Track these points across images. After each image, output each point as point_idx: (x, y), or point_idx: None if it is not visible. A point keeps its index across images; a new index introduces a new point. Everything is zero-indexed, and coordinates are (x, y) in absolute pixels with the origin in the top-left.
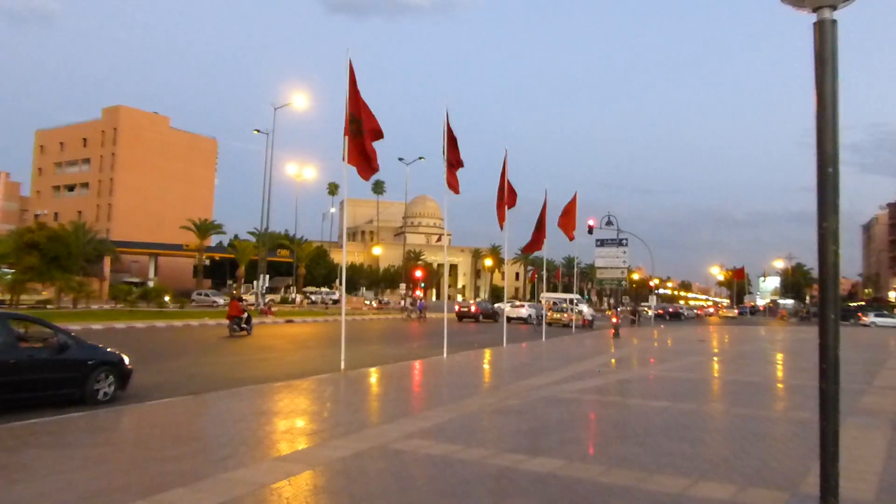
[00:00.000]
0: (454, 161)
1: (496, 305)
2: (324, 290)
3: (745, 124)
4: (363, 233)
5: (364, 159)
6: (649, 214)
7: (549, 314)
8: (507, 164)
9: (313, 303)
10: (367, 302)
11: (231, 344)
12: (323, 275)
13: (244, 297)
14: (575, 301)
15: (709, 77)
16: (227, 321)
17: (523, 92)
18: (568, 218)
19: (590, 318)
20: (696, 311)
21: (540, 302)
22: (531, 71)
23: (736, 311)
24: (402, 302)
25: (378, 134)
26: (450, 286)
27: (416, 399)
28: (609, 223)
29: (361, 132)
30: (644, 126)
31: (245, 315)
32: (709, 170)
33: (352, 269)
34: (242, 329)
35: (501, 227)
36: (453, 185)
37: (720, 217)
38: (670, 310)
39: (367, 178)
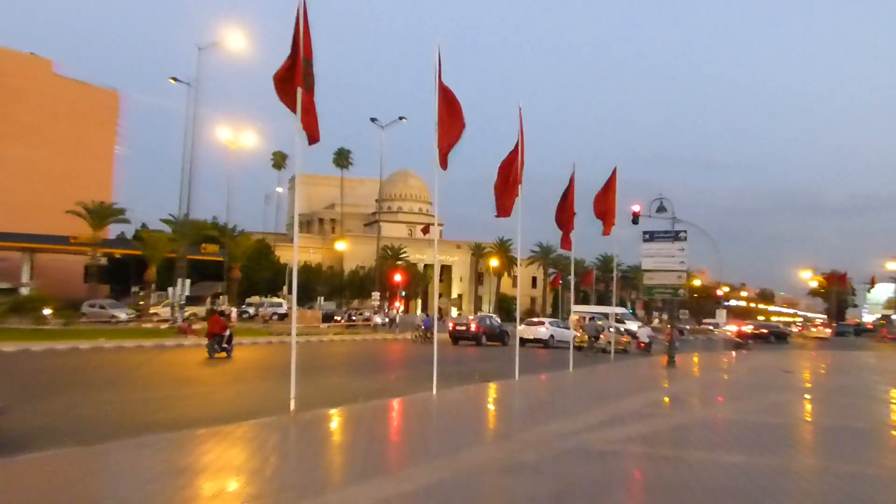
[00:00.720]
0: (450, 125)
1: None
2: (268, 299)
3: (845, 76)
4: (321, 221)
5: (314, 119)
6: (714, 198)
7: (579, 334)
8: (522, 127)
9: (250, 317)
10: (338, 318)
11: (138, 376)
12: (266, 278)
13: (158, 312)
14: (618, 316)
15: (795, 13)
16: (205, 340)
17: (543, 37)
18: (605, 204)
19: (647, 339)
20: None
21: (567, 318)
22: (553, 9)
23: (829, 330)
24: (373, 316)
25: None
26: (441, 295)
27: (394, 451)
28: (661, 209)
29: (312, 82)
30: (705, 78)
31: (227, 333)
32: (795, 137)
33: (306, 271)
34: (223, 349)
35: (508, 214)
36: (443, 149)
37: (811, 202)
38: (773, 329)
39: (313, 143)
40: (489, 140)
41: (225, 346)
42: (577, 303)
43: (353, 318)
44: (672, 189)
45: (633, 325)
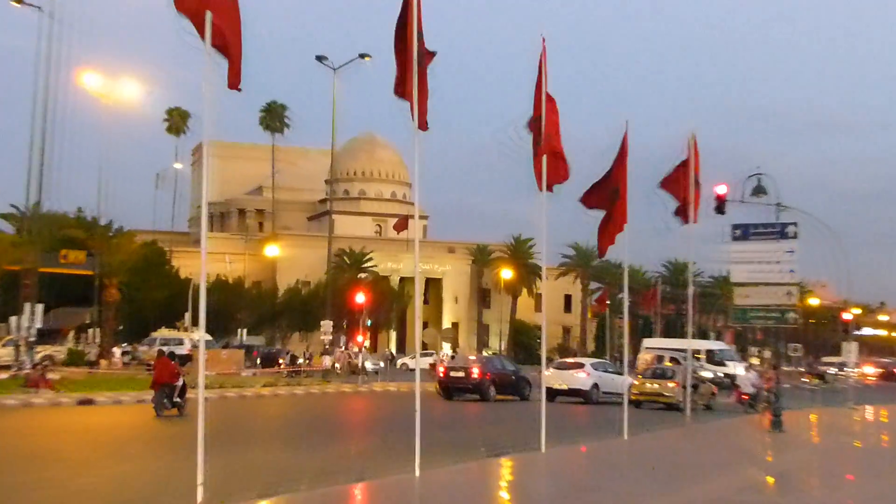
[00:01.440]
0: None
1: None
2: (166, 332)
3: None
4: (243, 213)
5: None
6: (834, 174)
7: (638, 382)
8: (545, 68)
9: (133, 361)
10: (282, 362)
11: None
12: (160, 300)
13: None
14: (713, 355)
15: None
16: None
17: None
18: (679, 185)
19: (751, 389)
20: None
21: (619, 356)
22: None
23: None
24: (326, 359)
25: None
26: (426, 324)
27: None
28: (759, 191)
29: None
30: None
31: (180, 383)
32: None
33: (220, 289)
34: (175, 405)
35: (542, 188)
36: (417, 102)
37: None
38: None
39: (235, 85)
40: (497, 97)
41: (177, 399)
42: (634, 334)
43: (300, 360)
44: (768, 161)
45: (737, 368)
